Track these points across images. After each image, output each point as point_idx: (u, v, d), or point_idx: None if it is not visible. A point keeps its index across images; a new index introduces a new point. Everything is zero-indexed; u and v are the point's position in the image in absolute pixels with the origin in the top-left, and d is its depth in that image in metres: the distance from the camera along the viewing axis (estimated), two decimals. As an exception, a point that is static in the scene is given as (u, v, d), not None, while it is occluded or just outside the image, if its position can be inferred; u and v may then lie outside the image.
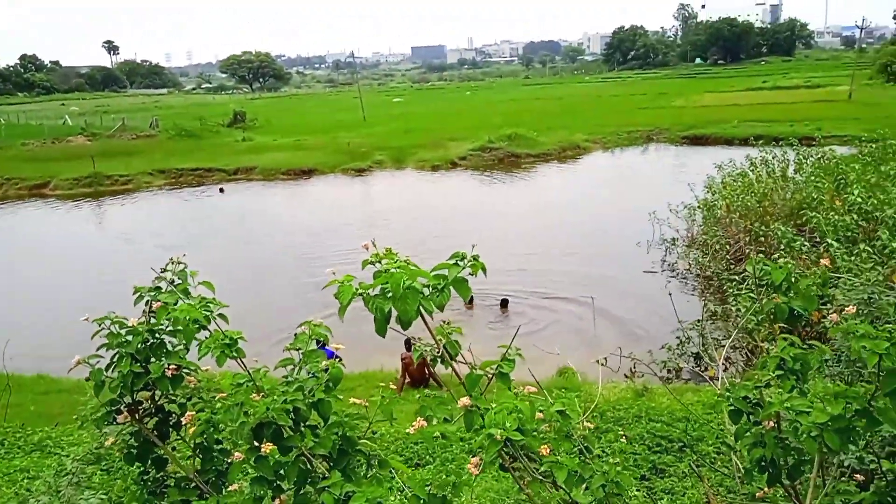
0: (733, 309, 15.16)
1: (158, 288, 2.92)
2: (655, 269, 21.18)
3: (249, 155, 46.81)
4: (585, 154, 45.40)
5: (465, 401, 2.46)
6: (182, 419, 2.91)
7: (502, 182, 38.90)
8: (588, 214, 29.23)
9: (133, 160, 45.67)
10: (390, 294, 2.34)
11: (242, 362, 2.65)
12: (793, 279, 2.72)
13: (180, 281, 2.94)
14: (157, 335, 2.78)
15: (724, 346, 14.01)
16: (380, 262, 2.44)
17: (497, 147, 44.55)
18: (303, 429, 2.49)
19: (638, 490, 7.38)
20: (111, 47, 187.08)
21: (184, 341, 2.76)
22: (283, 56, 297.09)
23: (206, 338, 2.64)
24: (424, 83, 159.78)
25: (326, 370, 2.58)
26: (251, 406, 2.45)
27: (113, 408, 2.85)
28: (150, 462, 2.91)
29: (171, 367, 2.75)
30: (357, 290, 2.40)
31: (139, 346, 2.74)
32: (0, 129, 62.04)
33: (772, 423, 2.52)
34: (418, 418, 2.45)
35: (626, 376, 13.64)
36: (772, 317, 2.73)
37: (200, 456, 2.85)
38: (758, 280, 2.82)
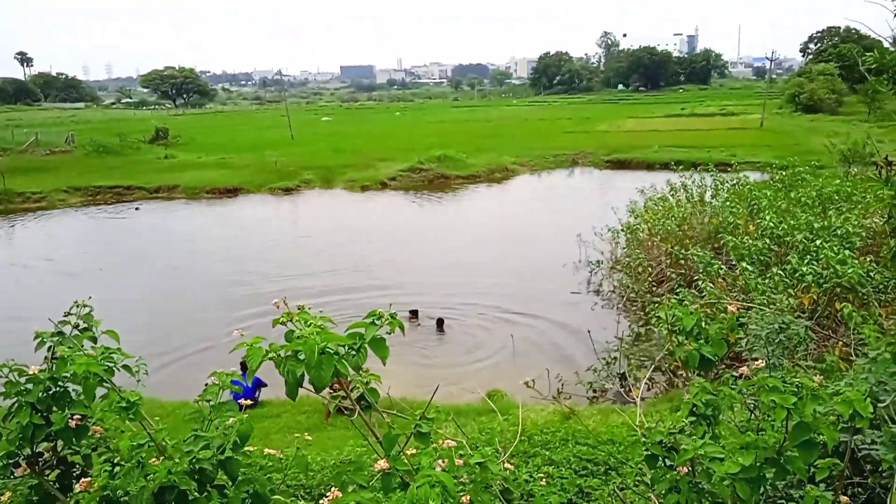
0: (655, 331, 15.62)
1: (62, 332, 2.77)
2: (581, 290, 21.60)
3: (172, 173, 45.54)
4: (513, 176, 46.15)
5: (382, 464, 2.41)
6: (87, 470, 2.75)
7: (432, 203, 39.09)
8: (516, 235, 29.65)
9: (47, 177, 43.74)
10: (303, 358, 2.27)
11: (143, 423, 2.52)
12: (703, 325, 2.80)
13: (85, 325, 2.80)
14: (59, 383, 2.62)
15: (646, 366, 14.40)
16: (291, 321, 2.37)
17: (426, 168, 44.79)
18: (209, 489, 2.38)
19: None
20: (24, 59, 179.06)
21: (87, 391, 2.61)
22: (209, 72, 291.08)
23: (106, 394, 2.50)
24: (353, 102, 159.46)
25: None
26: (151, 469, 2.32)
27: (11, 461, 2.66)
28: (51, 517, 2.73)
29: (75, 417, 2.59)
30: (267, 352, 2.32)
31: (41, 394, 2.57)
32: None
33: (685, 469, 2.58)
34: (333, 488, 2.37)
35: (553, 398, 13.79)
36: (684, 361, 2.80)
37: (108, 509, 2.69)
38: (670, 326, 2.89)
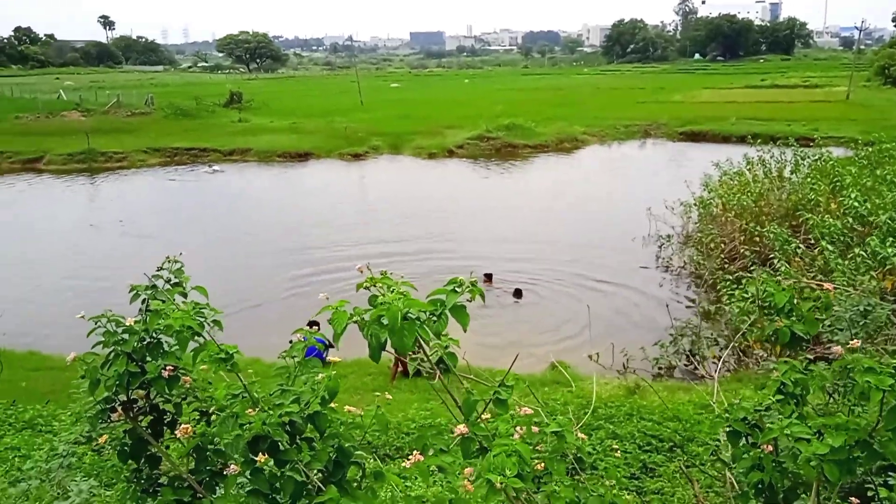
0: (726, 308, 15.23)
1: (155, 286, 2.89)
2: (650, 265, 21.22)
3: (245, 136, 46.52)
4: (583, 146, 45.35)
5: (461, 429, 2.44)
6: (177, 417, 2.88)
7: (499, 171, 38.85)
8: (584, 207, 29.26)
9: (128, 137, 45.34)
10: (386, 323, 2.31)
11: (238, 375, 2.61)
12: (795, 302, 2.71)
13: (176, 280, 2.91)
14: (153, 335, 2.74)
15: (716, 345, 14.09)
16: (374, 286, 2.41)
17: (494, 136, 44.44)
18: (299, 442, 2.46)
19: (629, 493, 7.41)
20: (106, 22, 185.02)
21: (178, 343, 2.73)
22: (281, 37, 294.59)
23: (200, 345, 2.61)
24: (422, 69, 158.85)
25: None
26: (247, 419, 2.42)
27: (108, 405, 2.82)
28: (143, 460, 2.89)
29: (167, 367, 2.72)
30: (351, 316, 2.37)
31: (136, 345, 2.71)
32: (-7, 101, 61.43)
33: (770, 448, 2.52)
34: (415, 452, 2.42)
35: (618, 372, 13.68)
36: (774, 339, 2.72)
37: (194, 456, 2.82)
38: (759, 301, 2.81)
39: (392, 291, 2.41)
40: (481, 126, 45.71)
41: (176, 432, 2.74)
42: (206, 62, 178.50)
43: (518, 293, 18.57)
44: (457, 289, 2.46)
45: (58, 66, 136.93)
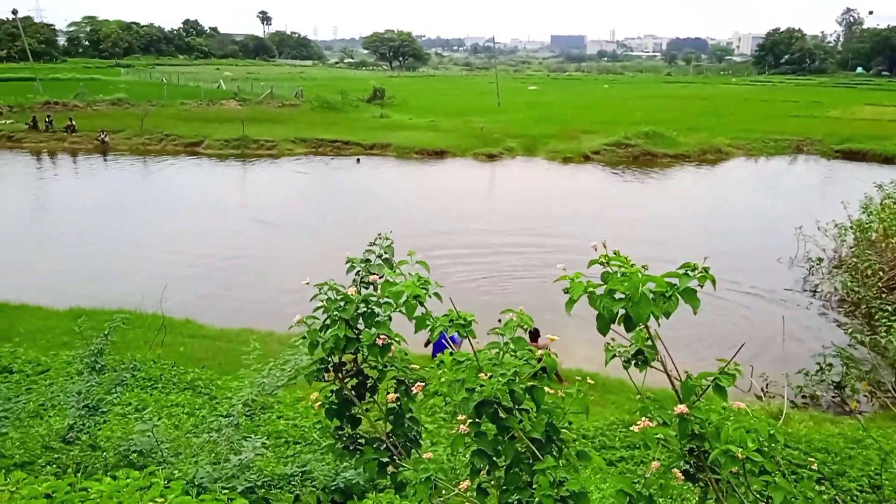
0: (883, 340, 14.20)
1: (368, 260, 3.16)
2: (796, 288, 20.08)
3: (385, 132, 48.00)
4: (727, 159, 43.43)
5: (682, 408, 2.52)
6: (377, 383, 3.14)
7: (637, 180, 37.93)
8: (727, 223, 28.03)
9: (278, 127, 48.04)
10: (620, 296, 2.42)
11: (471, 342, 2.80)
12: None
13: (387, 255, 3.16)
14: (369, 305, 3.00)
15: (870, 379, 13.18)
16: (608, 263, 2.53)
17: (633, 143, 43.40)
18: (517, 411, 2.62)
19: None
20: (265, 18, 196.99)
21: (387, 313, 2.97)
22: (424, 37, 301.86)
23: (422, 314, 2.83)
24: (561, 73, 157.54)
25: (540, 359, 2.69)
26: (474, 383, 2.59)
27: (322, 366, 3.10)
28: (346, 420, 3.16)
29: (380, 336, 2.96)
30: (587, 286, 2.50)
31: (353, 313, 2.97)
32: (164, 88, 66.90)
33: None
34: (643, 418, 2.53)
35: (757, 396, 13.11)
36: None
37: (392, 420, 3.06)
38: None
39: (632, 267, 2.53)
40: (619, 132, 44.77)
41: (376, 398, 2.98)
42: (352, 58, 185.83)
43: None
44: (689, 272, 2.55)
45: (218, 57, 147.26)
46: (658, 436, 2.52)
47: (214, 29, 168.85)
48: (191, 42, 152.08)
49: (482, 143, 44.80)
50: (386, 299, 2.98)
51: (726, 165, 42.10)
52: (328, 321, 3.02)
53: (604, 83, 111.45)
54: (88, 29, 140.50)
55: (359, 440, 3.14)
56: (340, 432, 3.16)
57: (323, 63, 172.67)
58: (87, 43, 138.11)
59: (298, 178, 37.22)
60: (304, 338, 3.06)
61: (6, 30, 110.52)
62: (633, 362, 2.74)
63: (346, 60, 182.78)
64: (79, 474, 4.89)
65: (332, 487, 5.40)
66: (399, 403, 3.04)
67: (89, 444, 5.74)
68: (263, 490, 5.15)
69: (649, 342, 2.68)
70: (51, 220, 27.99)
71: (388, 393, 3.07)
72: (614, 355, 2.74)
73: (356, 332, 3.00)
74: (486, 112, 58.36)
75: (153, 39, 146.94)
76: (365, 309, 2.99)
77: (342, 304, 2.98)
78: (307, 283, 3.08)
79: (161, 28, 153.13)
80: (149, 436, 5.47)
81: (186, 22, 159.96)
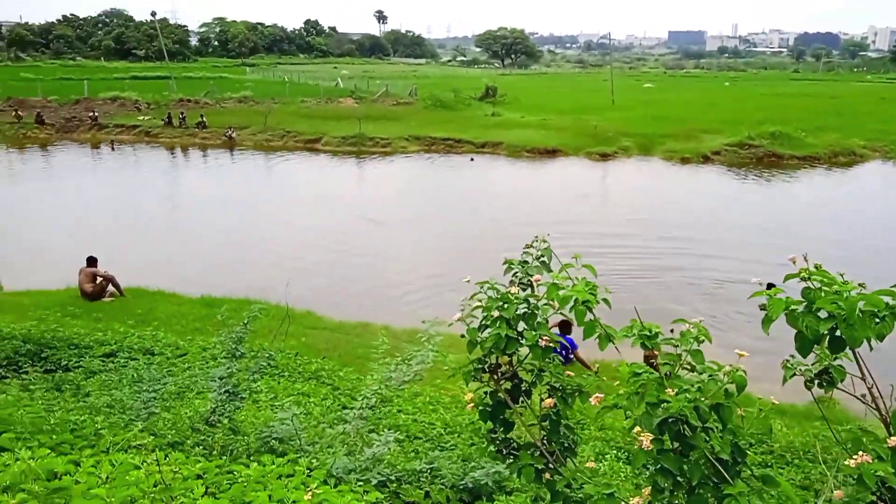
0: None
1: (525, 262, 3.10)
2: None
3: (497, 130, 47.89)
4: (862, 161, 40.55)
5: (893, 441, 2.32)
6: (531, 388, 3.07)
7: (761, 183, 36.04)
8: (862, 235, 26.01)
9: (392, 125, 48.95)
10: (824, 315, 2.25)
11: (654, 352, 2.68)
12: None
13: (545, 258, 3.09)
14: (530, 306, 2.94)
15: None
16: (809, 279, 2.35)
17: (757, 144, 41.26)
18: (702, 431, 2.49)
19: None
20: (381, 17, 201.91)
21: (546, 316, 2.90)
22: (536, 34, 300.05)
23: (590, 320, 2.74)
24: (678, 70, 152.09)
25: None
26: (657, 397, 2.48)
27: (480, 366, 3.08)
28: (499, 423, 3.12)
29: (543, 337, 2.90)
30: (787, 302, 2.34)
31: (514, 313, 2.92)
32: (286, 86, 69.80)
33: None
34: (860, 452, 2.34)
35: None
36: None
37: (547, 427, 2.99)
38: None
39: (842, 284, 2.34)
40: (743, 132, 42.66)
41: (529, 403, 2.91)
42: (465, 56, 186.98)
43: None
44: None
45: (336, 56, 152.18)
46: (877, 472, 2.30)
47: (333, 28, 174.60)
48: (311, 41, 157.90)
49: (595, 141, 43.85)
50: (544, 301, 2.92)
51: (861, 169, 39.34)
52: (486, 321, 2.98)
53: (724, 80, 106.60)
54: (218, 30, 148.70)
55: (512, 445, 3.09)
56: (493, 435, 3.13)
57: (436, 61, 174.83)
58: (216, 43, 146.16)
59: (412, 176, 37.82)
60: (462, 336, 3.03)
61: (144, 31, 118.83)
62: (816, 382, 2.53)
63: (458, 58, 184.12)
64: (223, 457, 5.12)
65: (461, 486, 5.40)
66: (556, 410, 2.96)
67: (230, 428, 6.01)
68: (395, 484, 5.22)
69: (837, 361, 2.47)
70: (184, 213, 29.77)
71: (541, 399, 3.00)
72: (794, 374, 2.54)
73: (516, 332, 2.94)
74: (600, 110, 57.05)
75: (276, 39, 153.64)
76: (526, 309, 2.93)
77: (503, 303, 2.94)
78: (467, 281, 3.06)
79: (284, 28, 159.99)
80: (288, 423, 5.67)
81: (307, 22, 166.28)
